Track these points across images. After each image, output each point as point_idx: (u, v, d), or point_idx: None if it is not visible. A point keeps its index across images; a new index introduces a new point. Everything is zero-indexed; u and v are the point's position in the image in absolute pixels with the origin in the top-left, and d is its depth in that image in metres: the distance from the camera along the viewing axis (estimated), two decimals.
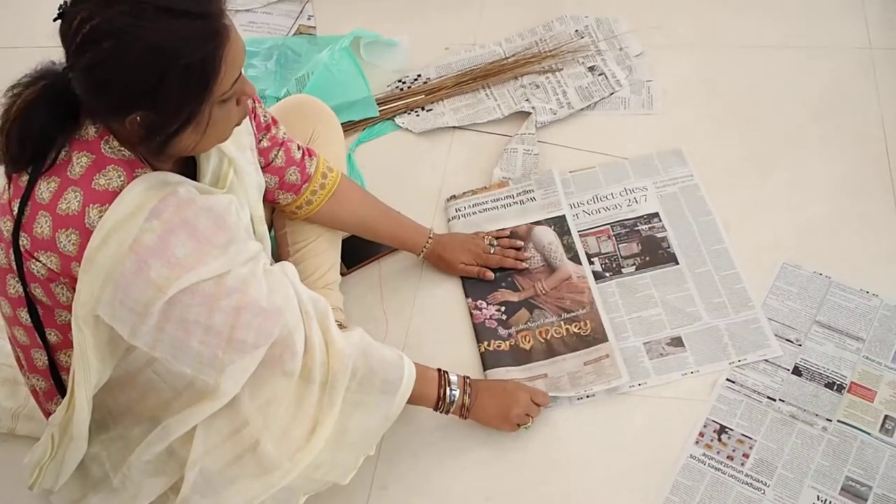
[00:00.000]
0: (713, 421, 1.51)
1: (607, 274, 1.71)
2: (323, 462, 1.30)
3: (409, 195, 1.85)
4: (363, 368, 1.31)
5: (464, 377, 1.47)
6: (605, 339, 1.62)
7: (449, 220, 1.85)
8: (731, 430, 1.50)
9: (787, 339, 1.59)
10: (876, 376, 1.53)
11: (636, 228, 1.77)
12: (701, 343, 1.60)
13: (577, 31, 2.15)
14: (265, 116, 1.45)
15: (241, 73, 1.14)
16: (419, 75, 2.13)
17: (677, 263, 1.71)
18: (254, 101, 1.42)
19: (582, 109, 1.99)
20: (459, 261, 1.73)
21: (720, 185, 1.82)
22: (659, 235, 1.75)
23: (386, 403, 1.34)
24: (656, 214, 1.79)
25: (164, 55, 1.04)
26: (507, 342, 1.64)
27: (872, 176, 1.80)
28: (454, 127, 2.01)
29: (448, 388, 1.43)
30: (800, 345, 1.58)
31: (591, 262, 1.73)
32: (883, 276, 1.65)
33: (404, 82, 2.12)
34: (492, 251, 1.75)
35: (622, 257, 1.74)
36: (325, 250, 1.65)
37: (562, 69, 2.07)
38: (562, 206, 1.82)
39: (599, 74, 2.05)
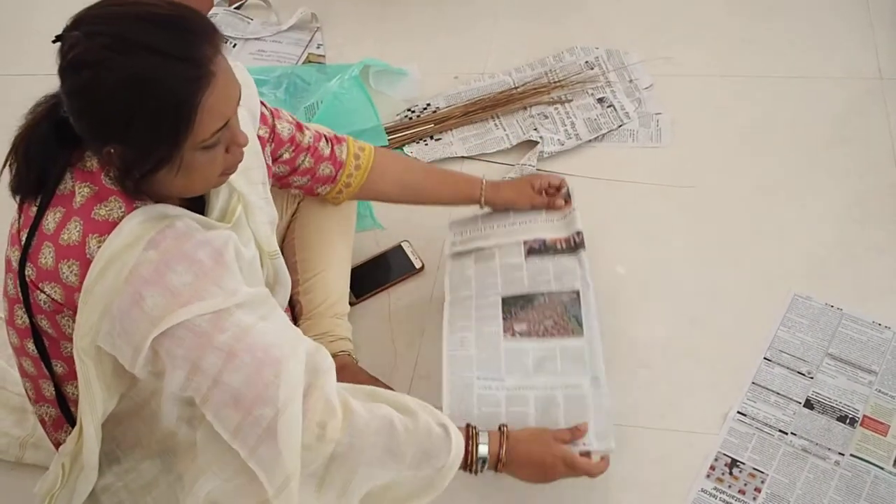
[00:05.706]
0: (724, 454, 1.50)
1: None
2: None
3: (417, 225, 1.85)
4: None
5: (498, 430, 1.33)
6: None
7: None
8: (743, 463, 1.49)
9: (798, 372, 1.58)
10: (889, 410, 1.52)
11: None
12: None
13: (587, 62, 2.15)
14: (288, 128, 1.44)
15: (227, 123, 1.10)
16: (428, 104, 2.14)
17: None
18: (273, 118, 1.41)
19: (590, 141, 1.99)
20: (518, 205, 1.67)
21: (730, 216, 1.82)
22: None
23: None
24: None
25: (135, 93, 1.02)
26: None
27: (883, 206, 1.79)
28: (463, 157, 2.01)
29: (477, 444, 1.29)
30: (812, 378, 1.57)
31: None
32: (895, 308, 1.64)
33: (413, 111, 2.13)
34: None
35: None
36: (335, 280, 1.65)
37: (571, 100, 2.07)
38: None
39: (608, 106, 2.05)
